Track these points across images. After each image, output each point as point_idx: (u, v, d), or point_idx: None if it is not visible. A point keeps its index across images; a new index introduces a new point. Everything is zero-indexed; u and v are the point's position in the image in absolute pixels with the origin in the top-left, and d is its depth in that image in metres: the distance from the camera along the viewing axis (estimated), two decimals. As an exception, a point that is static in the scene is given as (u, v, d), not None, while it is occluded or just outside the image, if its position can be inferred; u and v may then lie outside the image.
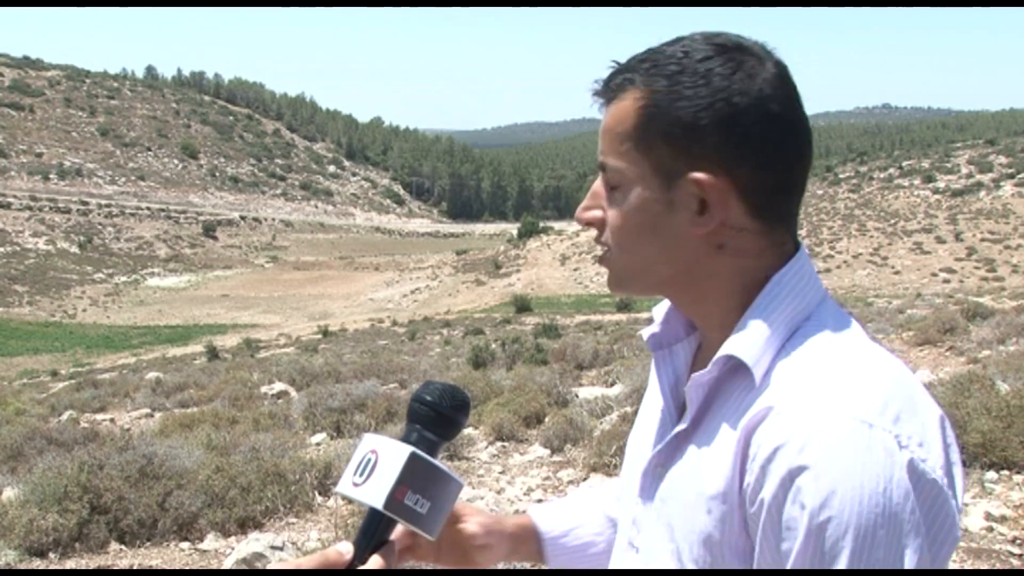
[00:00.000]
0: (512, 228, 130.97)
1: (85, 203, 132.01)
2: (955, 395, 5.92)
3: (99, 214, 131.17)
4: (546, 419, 8.42)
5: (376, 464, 0.88)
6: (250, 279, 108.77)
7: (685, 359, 1.00)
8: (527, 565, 3.78)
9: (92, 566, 4.81)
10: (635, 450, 1.03)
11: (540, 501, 5.79)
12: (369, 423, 8.68)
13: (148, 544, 5.15)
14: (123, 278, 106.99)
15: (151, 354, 51.25)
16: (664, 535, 0.92)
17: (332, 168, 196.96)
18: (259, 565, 4.50)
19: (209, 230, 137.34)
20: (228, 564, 4.66)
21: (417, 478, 0.88)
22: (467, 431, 8.04)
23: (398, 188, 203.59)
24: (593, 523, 1.15)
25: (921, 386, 0.84)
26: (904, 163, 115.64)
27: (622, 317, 38.74)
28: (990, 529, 4.45)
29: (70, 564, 4.83)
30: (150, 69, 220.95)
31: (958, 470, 0.82)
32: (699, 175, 0.85)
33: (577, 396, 9.60)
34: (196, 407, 12.40)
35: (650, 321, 1.07)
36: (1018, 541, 4.32)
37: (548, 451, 7.33)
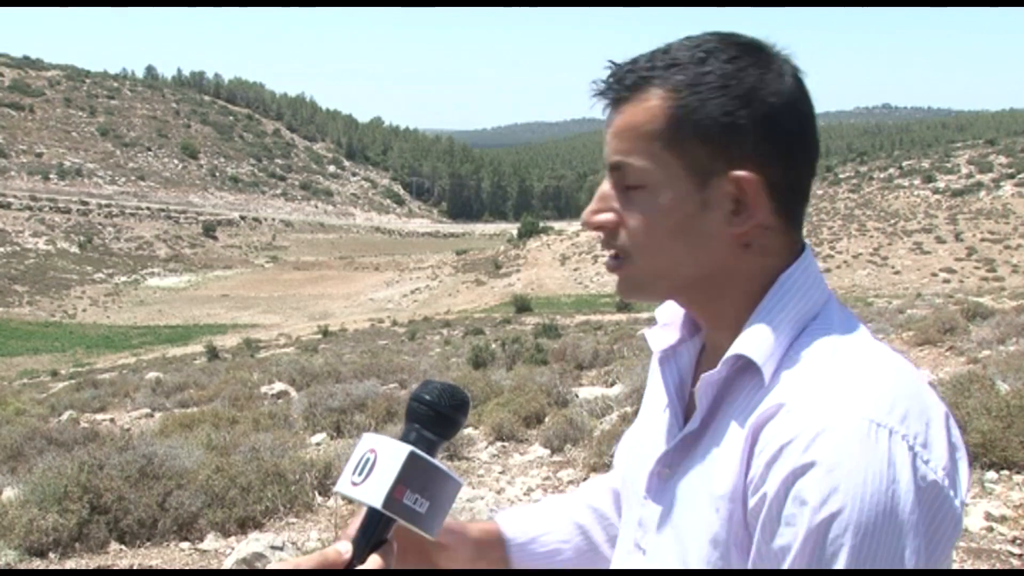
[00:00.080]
0: (512, 228, 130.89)
1: (85, 203, 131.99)
2: (955, 395, 5.93)
3: (99, 214, 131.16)
4: (546, 419, 8.42)
5: (375, 463, 0.88)
6: (250, 279, 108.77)
7: (689, 360, 1.00)
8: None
9: (92, 566, 4.81)
10: (638, 452, 1.03)
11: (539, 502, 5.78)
12: (369, 423, 8.68)
13: (148, 544, 5.15)
14: (123, 278, 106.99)
15: (151, 354, 51.26)
16: (673, 536, 0.91)
17: (332, 168, 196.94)
18: (259, 565, 4.50)
19: (209, 230, 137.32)
20: (228, 564, 4.66)
21: (416, 477, 0.88)
22: (467, 431, 8.04)
23: (398, 188, 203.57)
24: (560, 530, 1.13)
25: (926, 384, 0.85)
26: (904, 163, 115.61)
27: (622, 317, 38.73)
28: (990, 529, 4.45)
29: (70, 564, 4.83)
30: (150, 69, 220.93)
31: (963, 466, 0.83)
32: (743, 173, 0.86)
33: (577, 396, 9.60)
34: (196, 407, 12.41)
35: (652, 321, 1.07)
36: (1018, 541, 4.32)
37: (548, 451, 7.33)
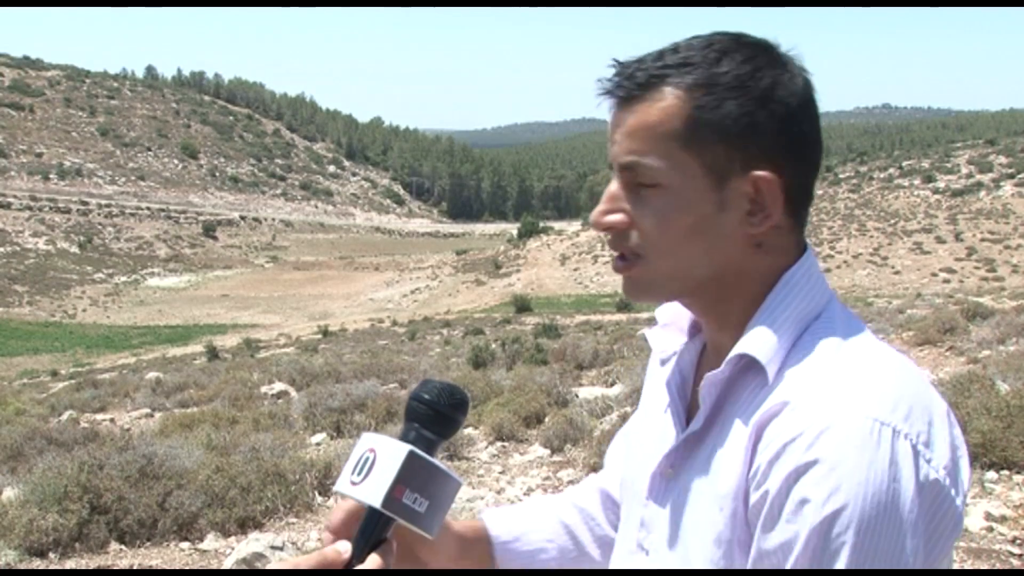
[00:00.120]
0: (512, 228, 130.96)
1: (85, 203, 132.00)
2: (955, 395, 5.93)
3: (99, 214, 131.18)
4: (546, 419, 8.42)
5: (374, 463, 0.88)
6: (250, 279, 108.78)
7: (691, 360, 1.01)
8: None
9: (92, 566, 4.81)
10: (638, 453, 1.03)
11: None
12: (369, 423, 8.68)
13: (148, 544, 5.15)
14: (123, 278, 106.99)
15: (151, 354, 51.25)
16: (677, 536, 0.91)
17: (332, 168, 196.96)
18: (259, 565, 4.50)
19: (209, 230, 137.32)
20: (228, 564, 4.67)
21: (415, 476, 0.87)
22: (467, 431, 8.04)
23: (398, 188, 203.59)
24: (545, 529, 1.13)
25: (928, 383, 0.85)
26: (904, 163, 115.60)
27: (622, 317, 38.73)
28: (990, 529, 4.45)
29: (70, 564, 4.83)
30: (150, 69, 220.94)
31: (964, 464, 0.83)
32: (763, 174, 0.86)
33: (577, 396, 9.61)
34: (196, 407, 12.41)
35: (652, 322, 1.07)
36: (1018, 541, 4.32)
37: (548, 451, 7.33)
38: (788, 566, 0.79)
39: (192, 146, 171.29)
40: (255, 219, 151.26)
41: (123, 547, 5.09)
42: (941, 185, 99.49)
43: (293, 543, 4.86)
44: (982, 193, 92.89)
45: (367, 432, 0.94)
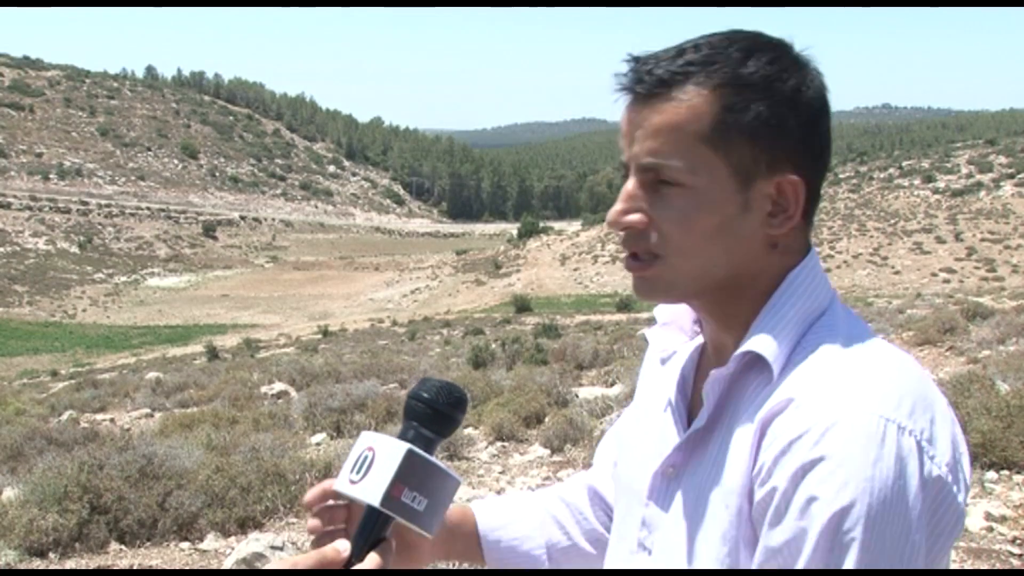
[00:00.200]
0: (512, 228, 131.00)
1: (85, 203, 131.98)
2: (955, 395, 5.94)
3: (99, 214, 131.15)
4: (546, 419, 8.42)
5: (373, 461, 0.88)
6: (250, 279, 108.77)
7: (692, 359, 1.00)
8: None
9: (92, 566, 4.81)
10: (636, 453, 1.02)
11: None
12: (369, 423, 8.68)
13: (148, 544, 5.15)
14: (123, 278, 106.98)
15: (151, 354, 51.26)
16: (681, 534, 0.91)
17: (332, 168, 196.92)
18: (259, 565, 4.50)
19: (209, 230, 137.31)
20: (228, 564, 4.66)
21: (414, 475, 0.87)
22: (467, 431, 8.04)
23: (398, 188, 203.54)
24: (532, 520, 1.14)
25: (931, 381, 0.85)
26: (904, 163, 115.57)
27: (622, 317, 38.74)
28: (990, 529, 4.45)
29: (70, 564, 4.83)
30: (150, 69, 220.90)
31: (966, 462, 0.83)
32: (792, 176, 0.86)
33: (577, 396, 9.60)
34: (196, 407, 12.42)
35: (652, 321, 1.07)
36: (1018, 541, 4.32)
37: (548, 451, 7.33)
38: (799, 563, 0.78)
39: (192, 146, 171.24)
40: (255, 219, 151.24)
41: (123, 547, 5.09)
42: (941, 185, 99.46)
43: (293, 543, 4.86)
44: (982, 193, 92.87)
45: (366, 431, 0.94)
